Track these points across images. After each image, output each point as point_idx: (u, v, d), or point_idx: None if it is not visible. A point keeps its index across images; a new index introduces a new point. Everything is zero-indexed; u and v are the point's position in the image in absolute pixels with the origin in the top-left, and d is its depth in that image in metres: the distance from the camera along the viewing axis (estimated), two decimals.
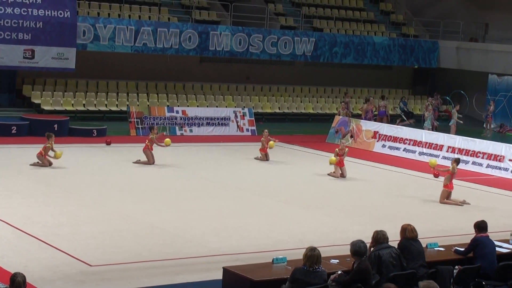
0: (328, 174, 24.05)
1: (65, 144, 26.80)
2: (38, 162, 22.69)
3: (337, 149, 24.29)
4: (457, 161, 21.75)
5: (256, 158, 26.21)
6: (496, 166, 26.81)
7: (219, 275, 12.07)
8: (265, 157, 26.12)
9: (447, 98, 35.89)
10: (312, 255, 10.65)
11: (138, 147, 25.47)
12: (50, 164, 22.67)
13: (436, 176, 24.47)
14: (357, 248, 11.11)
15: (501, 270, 12.47)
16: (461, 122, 33.82)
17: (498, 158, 26.90)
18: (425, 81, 44.98)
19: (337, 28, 41.01)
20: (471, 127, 36.66)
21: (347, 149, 24.64)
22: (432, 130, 32.37)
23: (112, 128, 30.19)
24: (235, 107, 34.99)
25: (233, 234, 16.38)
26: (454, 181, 21.36)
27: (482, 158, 27.29)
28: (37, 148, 23.53)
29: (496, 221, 18.34)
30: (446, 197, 21.17)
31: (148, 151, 24.04)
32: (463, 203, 21.06)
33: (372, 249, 11.63)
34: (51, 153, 22.82)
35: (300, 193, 21.44)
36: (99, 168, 23.09)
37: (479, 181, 25.22)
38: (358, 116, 34.96)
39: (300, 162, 26.60)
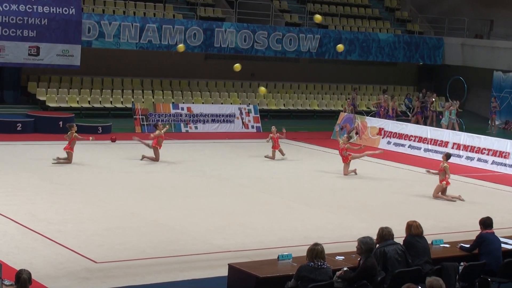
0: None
1: None
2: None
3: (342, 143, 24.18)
4: (447, 155, 21.73)
5: (267, 157, 25.99)
6: (502, 163, 26.76)
7: (224, 272, 12.06)
8: (273, 156, 25.90)
9: (447, 93, 35.33)
10: (313, 249, 10.64)
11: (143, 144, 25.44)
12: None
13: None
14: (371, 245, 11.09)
15: (506, 266, 12.46)
16: (453, 119, 33.04)
17: (503, 154, 26.85)
18: (430, 78, 44.92)
19: (342, 25, 40.97)
20: (476, 123, 36.58)
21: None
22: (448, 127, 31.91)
23: (117, 125, 30.19)
24: (240, 104, 35.00)
25: (238, 231, 16.37)
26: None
27: (487, 154, 27.23)
28: (43, 145, 23.43)
29: (502, 217, 18.31)
30: (441, 191, 21.19)
31: (156, 148, 23.97)
32: (458, 198, 21.05)
33: (377, 245, 11.61)
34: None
35: (305, 190, 21.41)
36: (104, 165, 23.08)
37: (484, 177, 25.16)
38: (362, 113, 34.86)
39: (305, 159, 26.56)
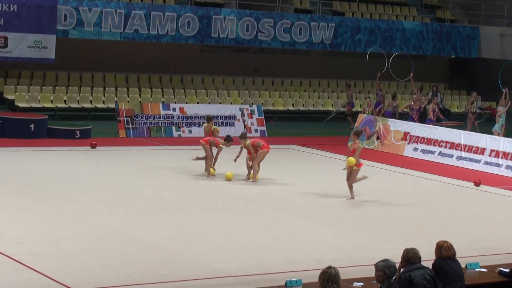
0: None
1: (43, 147, 26.89)
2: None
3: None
4: (356, 133, 22.57)
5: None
6: None
7: None
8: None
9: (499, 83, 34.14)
10: (325, 272, 10.55)
11: (128, 150, 25.48)
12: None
13: (477, 184, 24.44)
14: (389, 267, 11.05)
15: None
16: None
17: None
18: (464, 74, 44.96)
19: (360, 12, 41.05)
20: None
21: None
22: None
23: (98, 128, 30.25)
24: (242, 104, 35.05)
25: (239, 253, 16.38)
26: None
27: None
28: (11, 151, 23.39)
29: None
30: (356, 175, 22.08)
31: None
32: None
33: (402, 270, 11.61)
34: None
35: (317, 204, 21.42)
36: (83, 175, 23.10)
37: None
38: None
39: (317, 168, 26.60)
